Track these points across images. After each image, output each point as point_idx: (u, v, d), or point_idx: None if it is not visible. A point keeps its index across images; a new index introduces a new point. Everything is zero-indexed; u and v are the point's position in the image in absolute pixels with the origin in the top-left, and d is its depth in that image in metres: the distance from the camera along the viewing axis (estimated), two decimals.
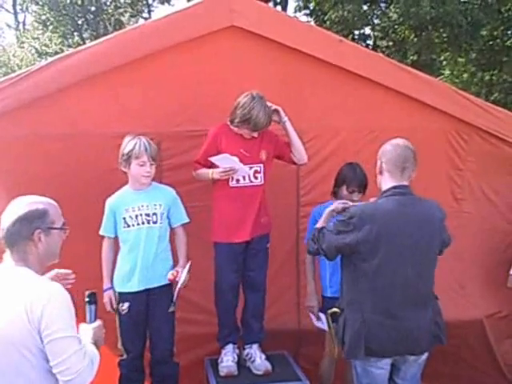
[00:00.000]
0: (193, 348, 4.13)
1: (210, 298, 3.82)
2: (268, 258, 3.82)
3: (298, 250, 4.32)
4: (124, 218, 3.48)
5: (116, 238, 3.58)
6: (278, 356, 3.96)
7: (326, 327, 3.77)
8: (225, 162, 3.54)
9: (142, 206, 3.48)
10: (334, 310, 3.15)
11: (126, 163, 3.44)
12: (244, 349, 3.84)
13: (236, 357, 3.78)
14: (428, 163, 4.24)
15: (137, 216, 3.47)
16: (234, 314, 3.82)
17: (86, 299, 2.57)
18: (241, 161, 3.55)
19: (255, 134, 3.62)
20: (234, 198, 3.65)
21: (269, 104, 3.58)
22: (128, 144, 3.43)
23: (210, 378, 3.71)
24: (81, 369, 2.13)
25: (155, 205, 3.51)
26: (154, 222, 3.50)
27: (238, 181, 3.63)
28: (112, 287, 3.53)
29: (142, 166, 3.43)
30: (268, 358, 3.78)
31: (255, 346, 3.80)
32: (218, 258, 3.74)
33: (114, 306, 3.51)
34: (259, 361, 3.74)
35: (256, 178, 3.66)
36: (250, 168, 3.61)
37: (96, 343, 2.38)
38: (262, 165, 3.66)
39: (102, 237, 3.58)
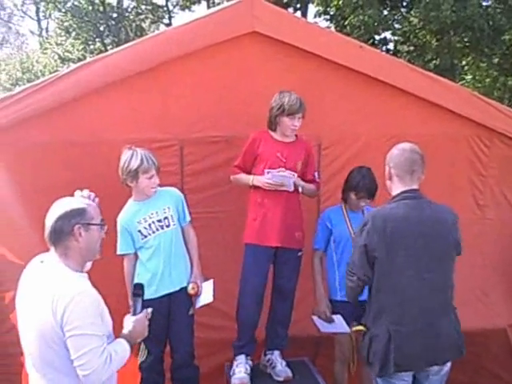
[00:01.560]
0: (215, 353, 4.15)
1: (233, 303, 3.83)
2: (299, 267, 3.80)
3: None
4: (139, 231, 3.50)
5: (135, 254, 3.58)
6: (299, 363, 3.96)
7: (339, 329, 3.78)
8: (278, 178, 3.58)
9: (152, 214, 3.50)
10: (360, 327, 3.11)
11: (132, 178, 3.43)
12: (265, 354, 3.84)
13: (248, 368, 3.72)
14: (450, 169, 4.25)
15: (150, 225, 3.49)
16: (252, 324, 3.76)
17: (133, 291, 2.75)
18: (278, 165, 3.60)
19: (296, 123, 3.62)
20: (265, 201, 3.66)
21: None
22: (132, 160, 3.40)
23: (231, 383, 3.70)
24: (95, 366, 2.29)
25: (164, 209, 3.53)
26: (167, 226, 3.52)
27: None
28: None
29: (150, 178, 3.45)
30: (288, 365, 3.77)
31: (277, 353, 3.80)
32: (245, 259, 3.74)
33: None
34: (280, 367, 3.73)
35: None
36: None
37: (132, 336, 2.55)
38: (295, 174, 3.67)
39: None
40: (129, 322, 2.60)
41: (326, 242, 3.90)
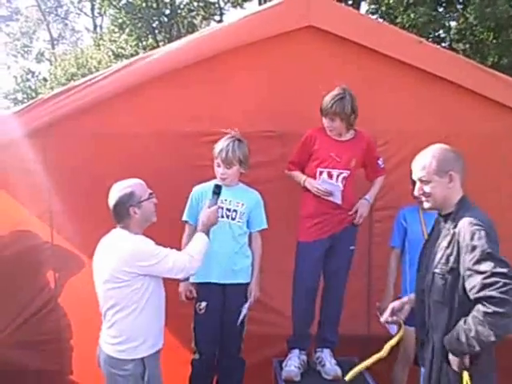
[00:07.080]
0: (263, 348, 4.13)
1: (282, 299, 3.81)
2: (350, 264, 3.78)
3: (369, 255, 4.25)
4: None
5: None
6: (349, 362, 3.85)
7: (391, 331, 3.69)
8: (328, 185, 3.59)
9: (225, 201, 3.54)
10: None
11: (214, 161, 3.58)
12: (315, 352, 3.81)
13: (300, 362, 3.74)
14: (510, 168, 4.10)
15: (218, 208, 3.50)
16: (305, 319, 3.79)
17: (213, 190, 3.36)
18: (331, 164, 3.61)
19: (330, 123, 3.59)
20: (317, 201, 3.66)
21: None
22: (217, 144, 3.54)
23: (279, 379, 3.70)
24: (184, 267, 3.05)
25: (237, 203, 3.56)
26: (233, 219, 3.55)
27: None
28: (187, 278, 3.54)
29: (218, 166, 3.53)
30: (338, 363, 3.73)
31: (326, 351, 3.78)
32: (297, 257, 3.75)
33: (193, 295, 3.56)
34: (329, 365, 3.70)
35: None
36: (339, 175, 3.62)
37: (207, 224, 3.27)
38: (349, 172, 3.65)
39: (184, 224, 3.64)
40: (205, 214, 3.29)
41: (402, 240, 3.85)
